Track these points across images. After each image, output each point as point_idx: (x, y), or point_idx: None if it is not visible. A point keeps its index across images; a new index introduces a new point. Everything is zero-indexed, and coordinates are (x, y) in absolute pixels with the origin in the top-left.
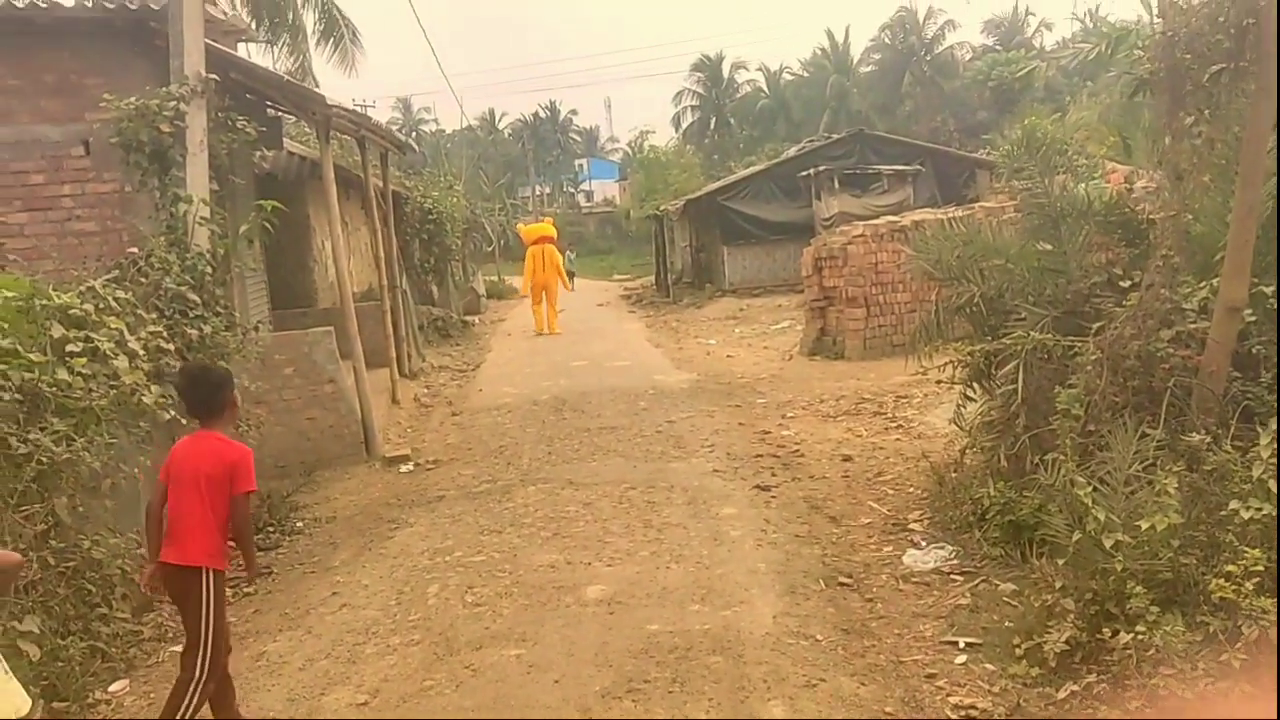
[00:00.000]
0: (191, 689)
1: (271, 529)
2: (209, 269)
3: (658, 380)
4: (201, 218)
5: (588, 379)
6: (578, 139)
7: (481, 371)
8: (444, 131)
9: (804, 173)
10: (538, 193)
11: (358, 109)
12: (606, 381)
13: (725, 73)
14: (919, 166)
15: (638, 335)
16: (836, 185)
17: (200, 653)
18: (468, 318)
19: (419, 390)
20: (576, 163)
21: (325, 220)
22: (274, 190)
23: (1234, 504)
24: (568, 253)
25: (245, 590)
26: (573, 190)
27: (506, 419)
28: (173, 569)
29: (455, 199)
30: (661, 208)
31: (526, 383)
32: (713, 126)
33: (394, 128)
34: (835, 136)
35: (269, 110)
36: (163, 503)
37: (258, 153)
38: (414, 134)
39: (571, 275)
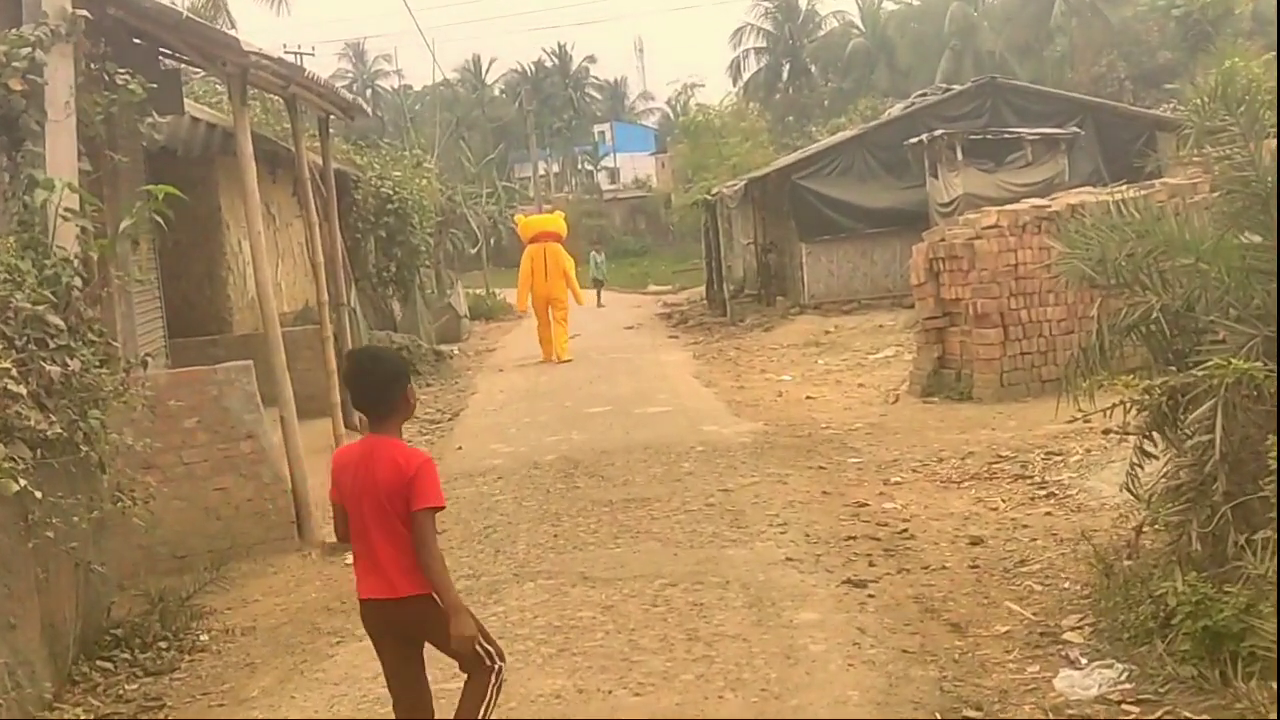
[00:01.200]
0: (491, 683)
1: (165, 644)
2: (77, 281)
3: (709, 432)
4: (67, 210)
5: (610, 432)
6: (598, 96)
7: (462, 422)
8: (410, 88)
9: (914, 139)
10: (542, 172)
11: (288, 58)
12: (636, 435)
13: (803, 2)
14: (1075, 129)
15: (681, 369)
16: (960, 156)
17: (482, 649)
18: (443, 347)
19: None
20: (596, 129)
21: (242, 212)
22: (172, 171)
23: None
24: (594, 255)
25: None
26: (591, 167)
27: (496, 489)
28: (390, 604)
29: (425, 181)
30: (714, 190)
31: (524, 437)
32: (785, 76)
33: (341, 84)
34: (958, 88)
35: (164, 61)
36: (347, 526)
37: (148, 119)
38: (369, 92)
39: (600, 286)
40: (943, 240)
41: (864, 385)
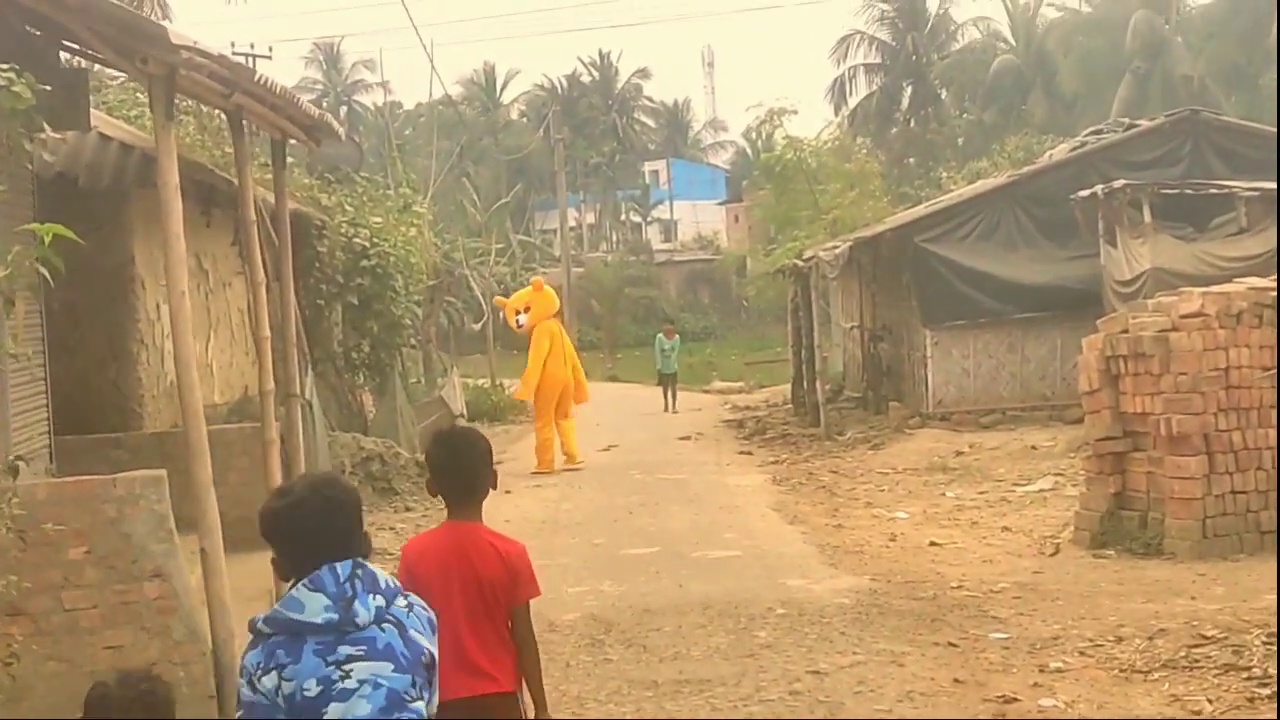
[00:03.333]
0: None
1: None
2: None
3: (794, 588)
4: None
5: (656, 582)
6: (651, 124)
7: None
8: (400, 106)
9: (1084, 193)
10: (573, 223)
11: (235, 58)
12: (693, 589)
13: (931, 4)
14: None
15: (756, 498)
16: (1148, 217)
17: None
18: None
19: None
20: (647, 168)
21: (162, 265)
22: (70, 206)
23: None
24: (661, 340)
25: None
26: (639, 219)
27: None
28: (483, 702)
29: (415, 231)
30: (807, 254)
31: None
32: (907, 104)
33: (307, 97)
34: (1145, 124)
35: (64, 57)
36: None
37: (38, 134)
38: (343, 110)
39: (669, 384)
40: (1125, 332)
41: (1010, 530)
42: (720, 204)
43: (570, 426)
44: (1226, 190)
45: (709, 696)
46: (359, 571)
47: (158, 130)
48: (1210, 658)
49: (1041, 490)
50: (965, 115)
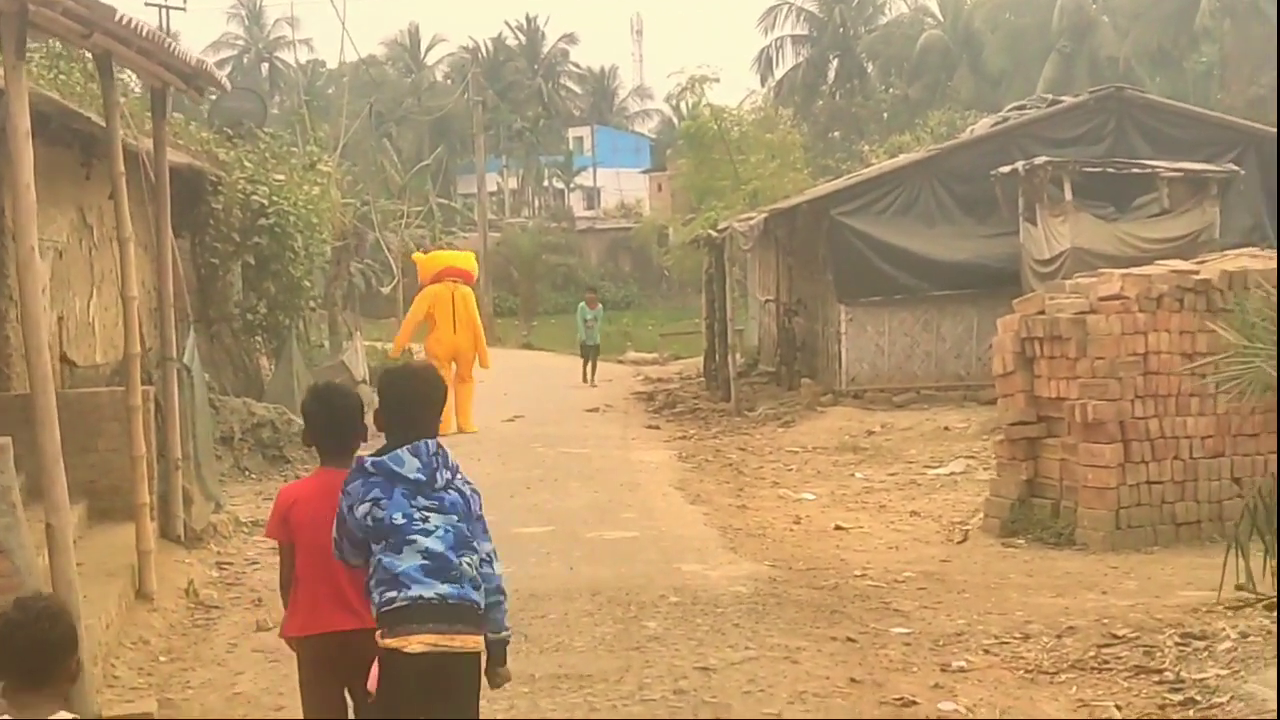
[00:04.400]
0: None
1: None
2: None
3: (689, 574)
4: None
5: (545, 565)
6: (576, 89)
7: None
8: (324, 65)
9: (1003, 169)
10: (493, 187)
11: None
12: (583, 573)
13: None
14: (1232, 166)
15: (659, 475)
16: (1069, 194)
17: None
18: None
19: (202, 571)
20: (572, 134)
21: (38, 218)
22: None
23: None
24: (584, 309)
25: None
26: (562, 185)
27: None
28: (358, 635)
29: (319, 190)
30: (722, 225)
31: None
32: (833, 77)
33: (228, 54)
34: (1069, 100)
35: None
36: (294, 567)
37: None
38: (265, 67)
39: (590, 356)
40: (1042, 313)
41: (919, 514)
42: (644, 172)
43: (467, 393)
44: (1149, 170)
45: (588, 694)
46: (439, 450)
47: (6, 70)
48: (1120, 659)
49: (952, 473)
50: (891, 90)
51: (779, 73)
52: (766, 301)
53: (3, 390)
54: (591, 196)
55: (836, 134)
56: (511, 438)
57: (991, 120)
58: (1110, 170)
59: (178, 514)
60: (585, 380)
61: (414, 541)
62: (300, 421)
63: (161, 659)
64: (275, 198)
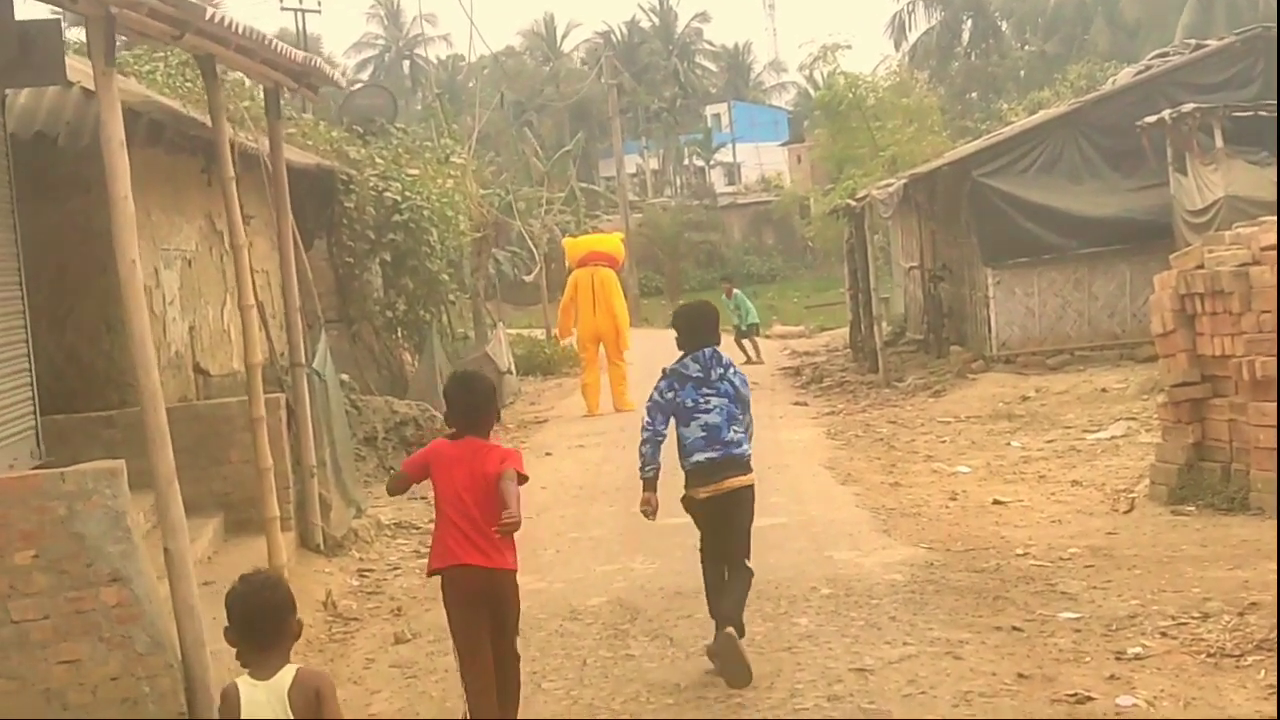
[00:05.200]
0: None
1: None
2: None
3: (842, 562)
4: None
5: (692, 557)
6: (712, 68)
7: None
8: (462, 59)
9: (1149, 119)
10: (633, 170)
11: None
12: None
13: None
14: None
15: (808, 455)
16: (1220, 142)
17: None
18: None
19: (341, 581)
20: (709, 112)
21: (165, 228)
22: (54, 168)
23: None
24: (725, 304)
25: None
26: (702, 163)
27: None
28: (489, 575)
29: (453, 182)
30: (861, 193)
31: (564, 565)
32: (967, 38)
33: (369, 53)
34: (1213, 44)
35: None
36: (404, 490)
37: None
38: (405, 64)
39: (749, 335)
40: (1200, 268)
41: (1080, 483)
42: (782, 145)
43: (618, 375)
44: None
45: (738, 703)
46: (715, 354)
47: (97, 76)
48: None
49: (1113, 437)
50: (1026, 47)
51: (912, 37)
52: (910, 268)
53: (136, 405)
54: (732, 172)
55: (974, 95)
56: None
57: (1134, 70)
58: (1262, 114)
59: (316, 522)
60: (749, 360)
61: (698, 418)
62: (443, 417)
63: None
64: (408, 193)
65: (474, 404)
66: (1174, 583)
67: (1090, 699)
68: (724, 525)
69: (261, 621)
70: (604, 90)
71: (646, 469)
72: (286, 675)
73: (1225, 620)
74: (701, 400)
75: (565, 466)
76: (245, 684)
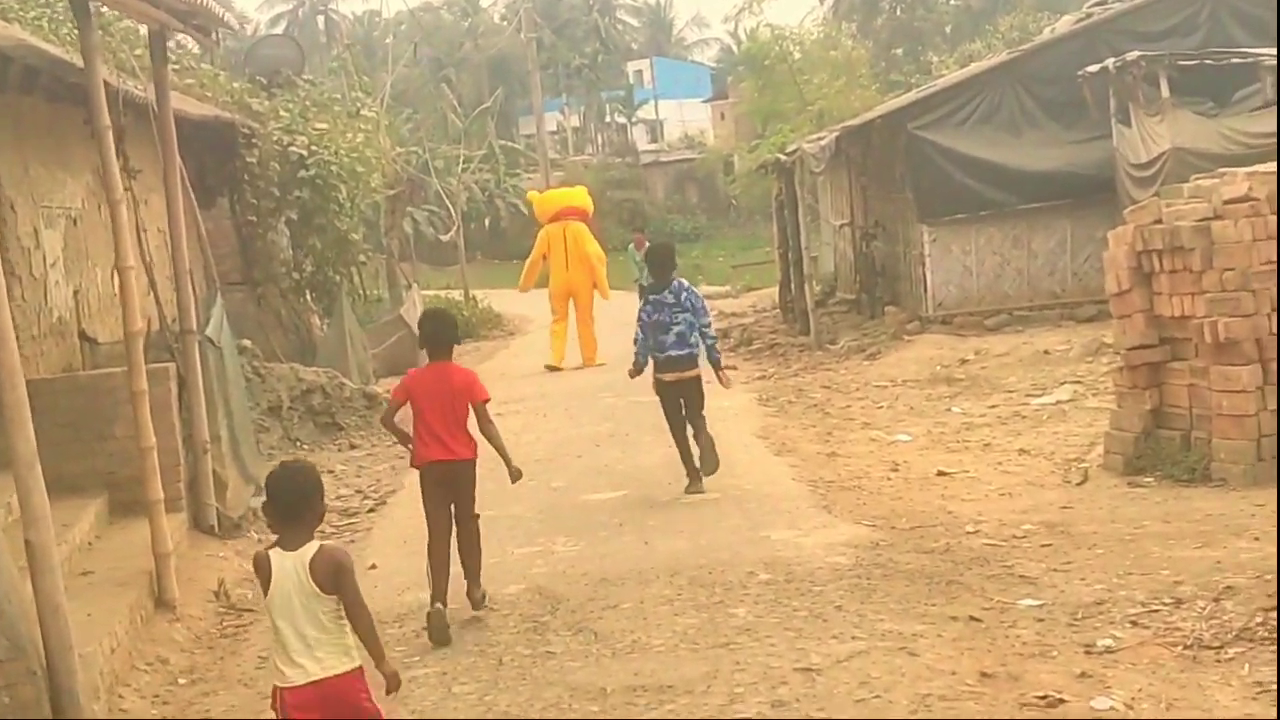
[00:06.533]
0: (479, 539)
1: None
2: None
3: (780, 543)
4: None
5: (618, 539)
6: (633, 23)
7: (387, 516)
8: (378, 15)
9: (1091, 68)
10: (553, 127)
11: None
12: (660, 546)
13: None
14: None
15: (739, 422)
16: (1165, 91)
17: (474, 510)
18: (385, 385)
19: (237, 566)
20: (631, 68)
21: (45, 184)
22: None
23: None
24: (632, 253)
25: None
26: (624, 120)
27: (414, 654)
28: (452, 465)
29: (363, 137)
30: (791, 148)
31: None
32: None
33: (281, 9)
34: None
35: None
36: (394, 415)
37: None
38: (320, 20)
39: (643, 292)
40: (1158, 222)
41: (1028, 452)
42: (706, 101)
43: (589, 334)
44: (1251, 59)
45: (670, 709)
46: (679, 285)
47: None
48: None
49: (1059, 402)
50: (952, 1)
51: None
52: (841, 226)
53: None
54: (654, 130)
55: (899, 51)
56: (580, 387)
57: (1074, 17)
58: (1208, 62)
59: (209, 502)
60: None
61: (672, 329)
62: (352, 385)
63: (181, 681)
64: (315, 148)
65: (441, 333)
66: (1140, 564)
67: (1062, 700)
68: (686, 402)
69: (293, 502)
70: (523, 46)
71: (637, 359)
72: (310, 549)
73: (1200, 607)
74: (672, 319)
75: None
76: (276, 554)
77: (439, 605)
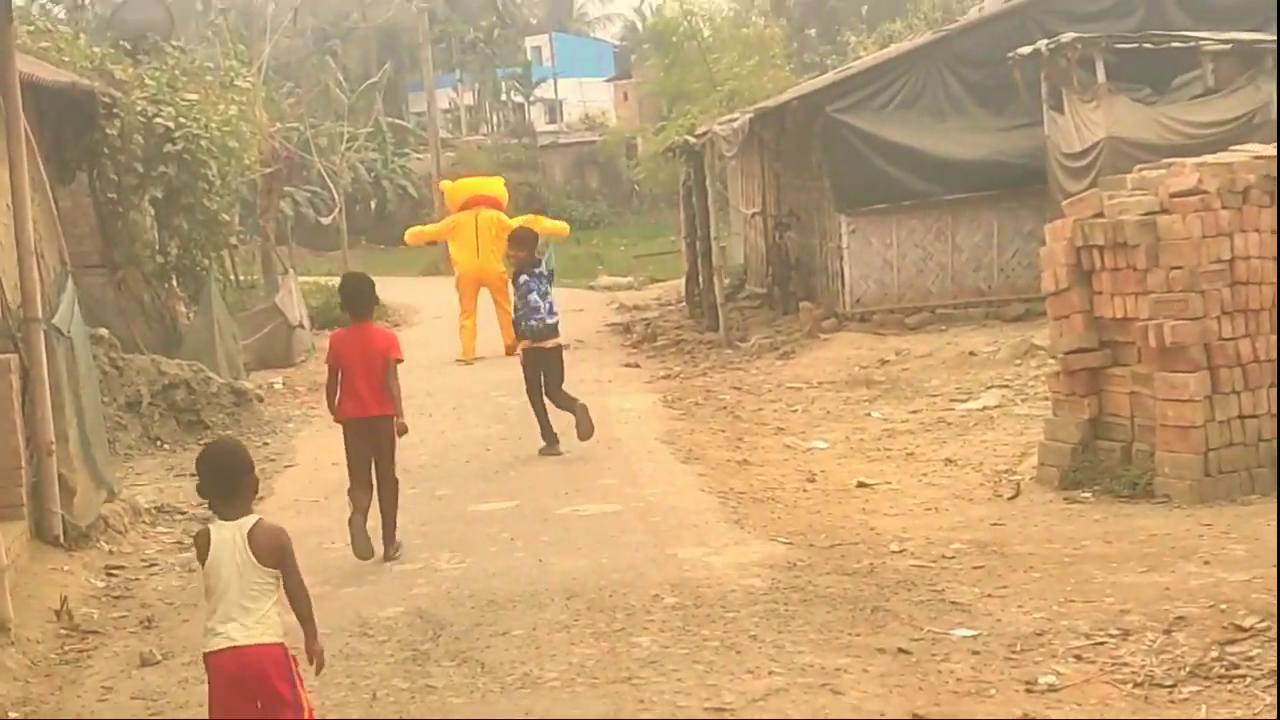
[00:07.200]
0: (396, 495)
1: None
2: None
3: (688, 561)
4: None
5: (508, 557)
6: None
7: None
8: None
9: (1023, 50)
10: (445, 105)
11: None
12: (556, 566)
13: None
14: None
15: (643, 426)
16: (1101, 76)
17: (394, 468)
18: (255, 379)
19: (84, 581)
20: (529, 44)
21: None
22: None
23: None
24: (541, 242)
25: None
26: (521, 98)
27: None
28: (370, 421)
29: (236, 109)
30: (699, 130)
31: (351, 565)
32: None
33: None
34: None
35: None
36: (334, 383)
37: None
38: None
39: (548, 280)
40: (1100, 215)
41: (955, 462)
42: (608, 81)
43: (507, 318)
44: (1191, 43)
45: None
46: (547, 271)
47: None
48: (1251, 659)
49: (986, 408)
50: None
51: None
52: (753, 215)
53: None
54: (553, 109)
55: (813, 31)
56: (469, 385)
57: None
58: (1147, 46)
59: (54, 510)
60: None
61: (544, 301)
62: (220, 380)
63: (11, 715)
64: (183, 120)
65: (359, 296)
66: (1082, 589)
67: None
68: (549, 371)
69: (225, 479)
70: (415, 17)
71: (529, 327)
72: (248, 521)
73: (1150, 639)
74: (548, 290)
75: None
76: (215, 527)
77: (359, 515)
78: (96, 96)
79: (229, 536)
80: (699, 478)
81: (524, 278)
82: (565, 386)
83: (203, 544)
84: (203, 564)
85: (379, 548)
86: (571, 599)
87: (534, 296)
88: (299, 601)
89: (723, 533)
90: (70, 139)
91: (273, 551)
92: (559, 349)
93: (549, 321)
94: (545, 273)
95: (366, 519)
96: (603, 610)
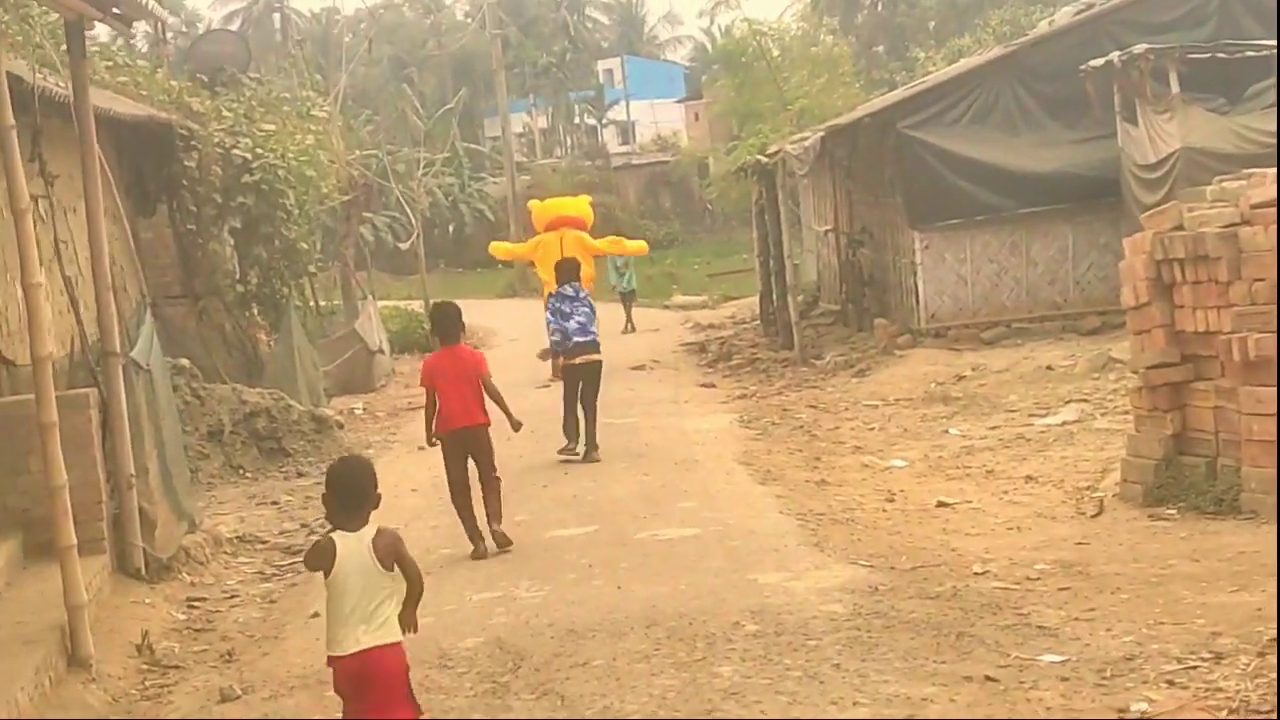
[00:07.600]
0: (500, 491)
1: None
2: None
3: (769, 587)
4: None
5: (588, 584)
6: (603, 20)
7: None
8: (339, 14)
9: (1095, 62)
10: (519, 129)
11: None
12: (635, 592)
13: None
14: None
15: (720, 446)
16: (1175, 86)
17: (495, 469)
18: (337, 406)
19: (165, 614)
20: (601, 67)
21: None
22: None
23: None
24: (611, 258)
25: None
26: (594, 121)
27: None
28: (471, 429)
29: (313, 139)
30: (770, 149)
31: (433, 592)
32: None
33: (239, 5)
34: None
35: None
36: (432, 404)
37: None
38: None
39: (628, 302)
40: (1180, 228)
41: (1036, 479)
42: (679, 102)
43: None
44: (1265, 52)
45: None
46: (573, 287)
47: None
48: None
49: (1065, 423)
50: None
51: None
52: (826, 232)
53: None
54: (626, 131)
55: (881, 48)
56: (547, 408)
57: (1074, 9)
58: (1220, 56)
59: (135, 543)
60: (626, 329)
61: (572, 317)
62: (300, 407)
63: None
64: (260, 150)
65: (449, 322)
66: (1171, 611)
67: None
68: (586, 384)
69: (355, 493)
70: (488, 44)
71: (554, 343)
72: (370, 530)
73: (1243, 663)
74: (575, 310)
75: (441, 464)
76: (339, 537)
77: (480, 545)
78: (175, 129)
79: (354, 547)
80: (777, 499)
81: (561, 295)
82: (641, 409)
83: (328, 555)
84: (325, 574)
85: (489, 542)
86: (651, 627)
87: (581, 317)
88: (415, 586)
89: (802, 556)
90: (150, 171)
91: (390, 552)
92: (601, 362)
93: (596, 339)
94: (573, 294)
95: (484, 543)
96: (683, 639)
